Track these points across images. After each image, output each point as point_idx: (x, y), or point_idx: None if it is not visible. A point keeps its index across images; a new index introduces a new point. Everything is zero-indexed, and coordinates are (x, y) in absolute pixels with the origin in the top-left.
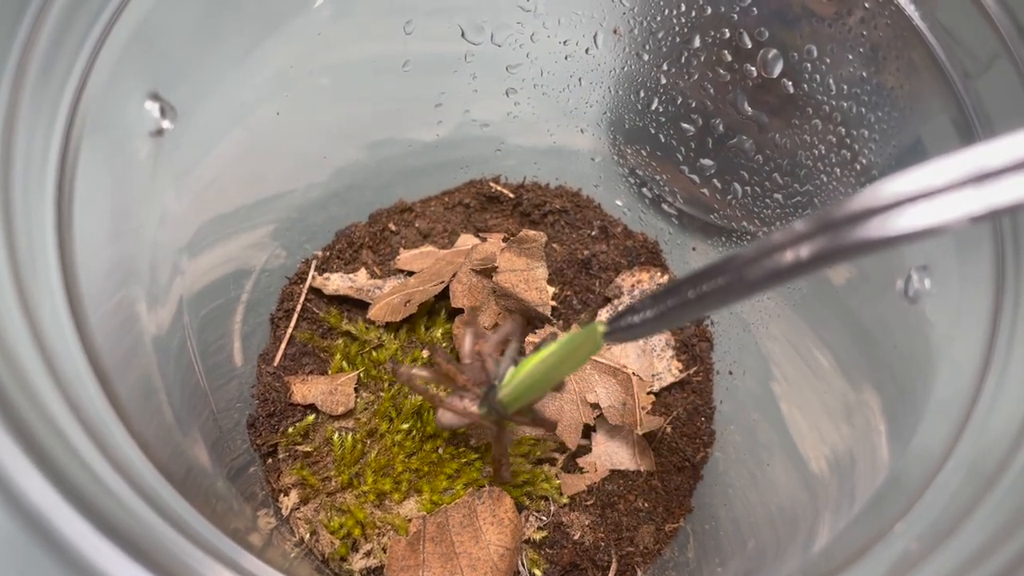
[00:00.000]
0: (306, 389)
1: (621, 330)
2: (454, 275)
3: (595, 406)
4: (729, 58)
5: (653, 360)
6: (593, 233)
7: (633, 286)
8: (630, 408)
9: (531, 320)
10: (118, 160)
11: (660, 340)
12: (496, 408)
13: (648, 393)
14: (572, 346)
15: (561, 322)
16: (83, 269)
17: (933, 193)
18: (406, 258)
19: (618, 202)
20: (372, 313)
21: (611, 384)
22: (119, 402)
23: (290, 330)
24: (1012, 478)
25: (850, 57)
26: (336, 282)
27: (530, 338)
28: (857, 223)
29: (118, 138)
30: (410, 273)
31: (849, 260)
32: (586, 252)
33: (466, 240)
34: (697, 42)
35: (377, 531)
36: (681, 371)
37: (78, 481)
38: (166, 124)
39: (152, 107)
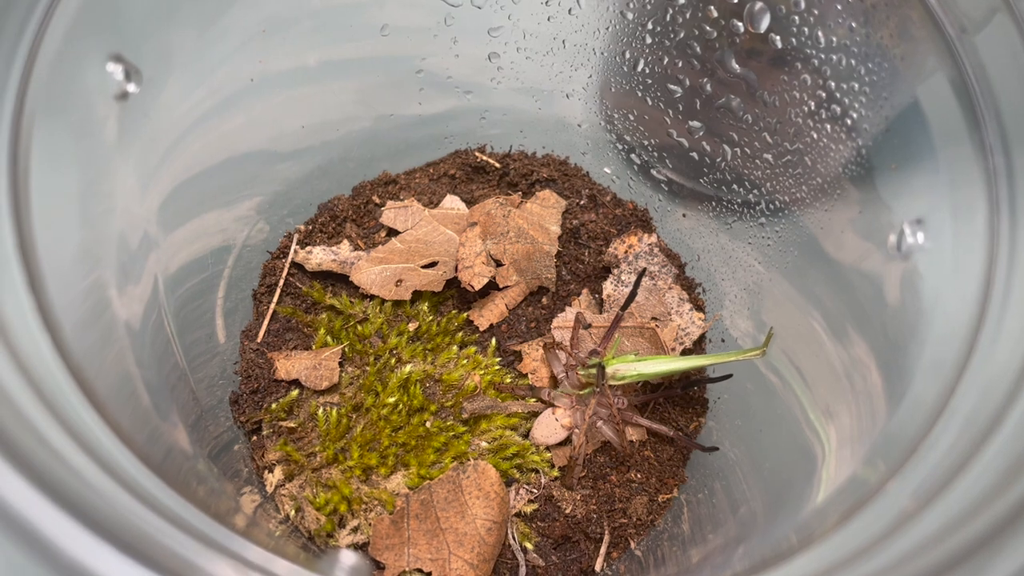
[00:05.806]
0: (290, 365)
1: None
2: (461, 244)
3: None
4: (715, 14)
5: (673, 317)
6: (582, 202)
7: (627, 252)
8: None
9: (538, 289)
10: (79, 129)
11: (674, 297)
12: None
13: (672, 349)
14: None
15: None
16: (45, 251)
17: None
18: (390, 214)
19: (607, 170)
20: (357, 278)
21: (642, 345)
22: (90, 388)
23: (273, 305)
24: (1008, 431)
25: (839, 7)
26: (319, 256)
27: (556, 323)
28: None
29: (78, 104)
30: (395, 232)
31: None
32: (575, 222)
33: (451, 200)
34: None
35: (364, 507)
36: (704, 320)
37: (49, 468)
38: (131, 88)
39: (115, 69)
